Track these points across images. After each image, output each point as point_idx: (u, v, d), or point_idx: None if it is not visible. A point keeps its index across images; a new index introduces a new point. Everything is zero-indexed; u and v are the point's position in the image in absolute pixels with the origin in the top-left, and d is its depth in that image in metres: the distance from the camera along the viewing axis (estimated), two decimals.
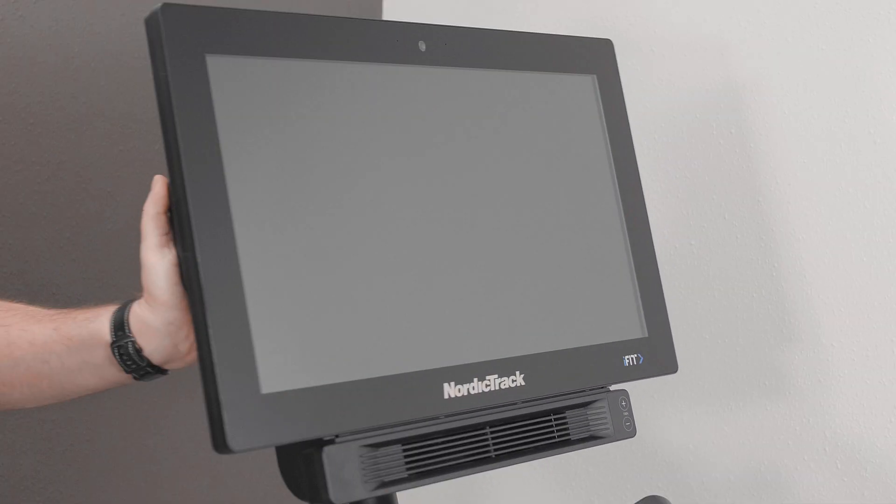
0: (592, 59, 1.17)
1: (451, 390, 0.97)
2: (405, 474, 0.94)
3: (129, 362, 0.97)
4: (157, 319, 0.95)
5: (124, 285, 1.51)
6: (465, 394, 0.98)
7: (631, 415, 1.12)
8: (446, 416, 0.97)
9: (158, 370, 0.99)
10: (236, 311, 0.87)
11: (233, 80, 0.91)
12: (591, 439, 1.08)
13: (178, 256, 0.92)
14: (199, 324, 0.87)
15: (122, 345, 0.97)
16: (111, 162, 1.47)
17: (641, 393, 1.66)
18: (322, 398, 0.89)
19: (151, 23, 0.89)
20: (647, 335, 1.13)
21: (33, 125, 1.38)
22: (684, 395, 1.62)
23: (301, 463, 0.90)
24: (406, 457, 0.95)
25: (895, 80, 1.41)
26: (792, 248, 1.51)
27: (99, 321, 0.98)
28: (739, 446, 1.58)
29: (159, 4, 0.88)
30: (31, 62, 1.36)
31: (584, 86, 1.14)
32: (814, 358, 1.50)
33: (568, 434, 1.07)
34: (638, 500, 1.10)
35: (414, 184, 1.00)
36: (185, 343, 0.97)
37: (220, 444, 0.86)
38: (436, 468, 0.97)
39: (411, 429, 0.95)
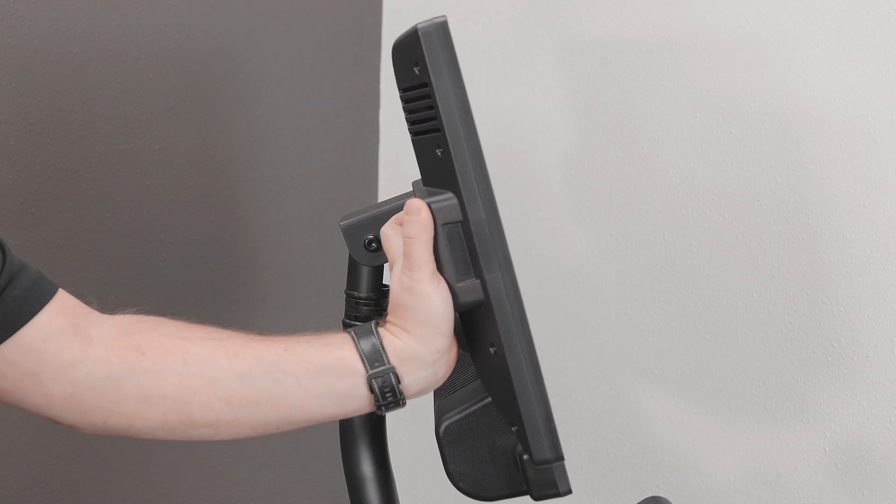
0: None
1: None
2: None
3: (388, 394, 0.91)
4: (427, 350, 0.91)
5: (124, 285, 1.51)
6: None
7: None
8: None
9: (404, 402, 0.93)
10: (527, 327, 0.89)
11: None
12: None
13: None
14: (521, 346, 0.87)
15: (384, 376, 0.90)
16: (111, 162, 1.47)
17: (642, 393, 1.66)
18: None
19: (430, 32, 0.88)
20: None
21: (33, 125, 1.38)
22: (684, 395, 1.62)
23: (524, 467, 0.92)
24: None
25: (894, 81, 1.42)
26: (792, 248, 1.51)
27: (344, 349, 0.92)
28: (739, 446, 1.59)
29: (441, 18, 0.88)
30: (31, 62, 1.36)
31: None
32: (814, 358, 1.51)
33: None
34: (639, 500, 1.10)
35: None
36: (443, 370, 0.93)
37: (552, 455, 0.89)
38: None
39: None
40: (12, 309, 0.87)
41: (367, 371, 0.90)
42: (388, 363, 0.91)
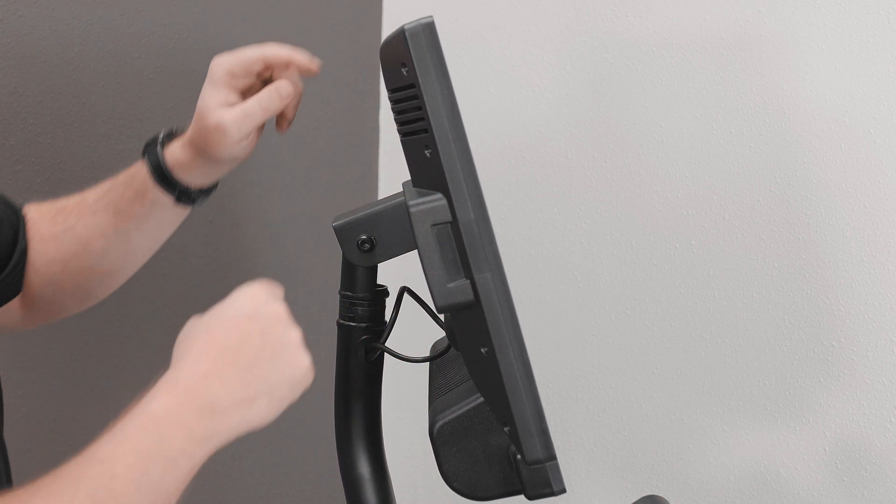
0: None
1: None
2: None
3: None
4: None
5: (124, 285, 1.51)
6: None
7: None
8: None
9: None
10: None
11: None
12: None
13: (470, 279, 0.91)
14: (512, 347, 0.89)
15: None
16: (111, 162, 1.47)
17: (642, 393, 1.66)
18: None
19: (417, 33, 0.89)
20: None
21: (33, 125, 1.38)
22: (684, 395, 1.62)
23: (518, 467, 0.93)
24: None
25: (895, 81, 1.41)
26: (792, 248, 1.51)
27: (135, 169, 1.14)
28: (739, 446, 1.58)
29: (428, 18, 0.88)
30: (31, 62, 1.37)
31: None
32: (814, 358, 1.50)
33: None
34: (636, 500, 1.10)
35: None
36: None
37: (545, 455, 0.90)
38: None
39: None
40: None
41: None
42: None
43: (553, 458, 0.88)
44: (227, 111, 1.07)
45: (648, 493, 1.62)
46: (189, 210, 1.17)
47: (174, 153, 1.12)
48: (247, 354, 0.79)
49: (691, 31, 1.55)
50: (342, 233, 0.98)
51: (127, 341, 1.54)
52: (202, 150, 1.10)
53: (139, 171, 1.13)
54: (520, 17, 1.71)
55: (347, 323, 1.06)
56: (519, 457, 0.90)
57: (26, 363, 1.42)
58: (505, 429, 0.90)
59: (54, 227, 1.15)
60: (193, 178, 1.13)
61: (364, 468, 1.07)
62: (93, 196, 1.16)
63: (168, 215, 1.15)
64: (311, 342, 1.92)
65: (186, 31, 1.54)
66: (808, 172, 1.48)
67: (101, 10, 1.44)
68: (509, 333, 0.87)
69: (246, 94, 1.11)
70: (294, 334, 0.83)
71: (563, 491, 0.91)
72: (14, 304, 1.16)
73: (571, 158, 1.68)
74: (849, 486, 1.49)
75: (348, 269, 1.04)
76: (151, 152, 1.13)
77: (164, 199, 1.13)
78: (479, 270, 0.87)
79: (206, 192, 1.16)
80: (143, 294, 1.54)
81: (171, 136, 1.14)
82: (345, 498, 1.08)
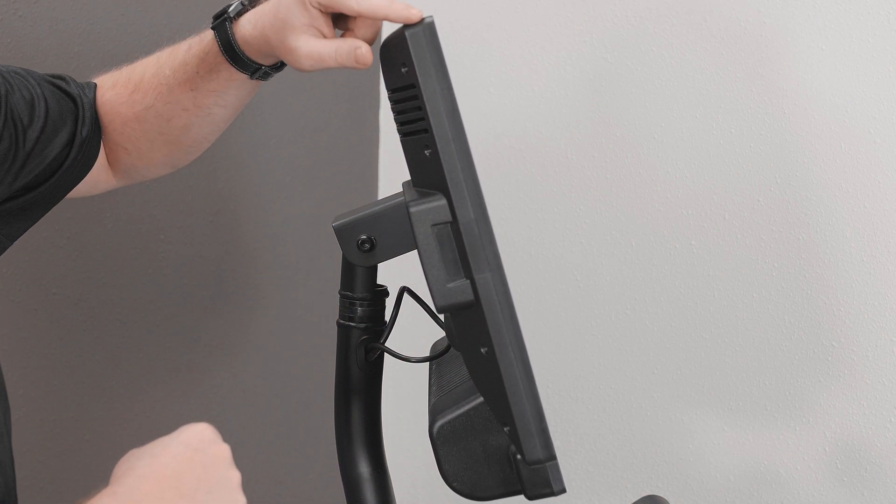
0: None
1: None
2: None
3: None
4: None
5: (125, 285, 1.51)
6: None
7: None
8: None
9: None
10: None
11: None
12: None
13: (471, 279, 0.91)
14: (512, 347, 0.88)
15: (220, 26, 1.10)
16: None
17: (642, 393, 1.66)
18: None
19: (417, 33, 0.89)
20: None
21: None
22: (684, 395, 1.62)
23: (518, 467, 0.93)
24: None
25: (894, 81, 1.41)
26: (792, 248, 1.51)
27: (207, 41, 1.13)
28: (739, 446, 1.59)
29: (428, 19, 0.89)
30: (31, 62, 1.36)
31: None
32: (814, 358, 1.50)
33: None
34: (636, 499, 1.10)
35: None
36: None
37: (545, 455, 0.90)
38: None
39: None
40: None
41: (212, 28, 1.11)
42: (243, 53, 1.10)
43: (553, 458, 0.88)
44: (305, 42, 1.03)
45: (648, 493, 1.62)
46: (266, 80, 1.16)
47: (244, 32, 1.09)
48: (188, 482, 0.82)
49: (691, 31, 1.55)
50: (342, 233, 0.98)
51: (127, 341, 1.54)
52: (272, 47, 1.07)
53: (211, 47, 1.11)
54: (520, 17, 1.71)
55: (347, 323, 1.06)
56: (519, 457, 0.90)
57: (26, 363, 1.42)
58: (505, 429, 0.90)
59: (134, 108, 1.17)
60: (266, 58, 1.10)
61: (364, 468, 1.07)
62: (168, 68, 1.15)
63: (246, 87, 1.14)
64: (311, 342, 1.92)
65: (186, 32, 1.54)
66: (808, 172, 1.49)
67: (101, 10, 1.44)
68: (509, 333, 0.87)
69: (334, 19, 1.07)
70: (235, 475, 0.85)
71: (563, 491, 0.91)
72: (102, 176, 1.21)
73: (571, 158, 1.68)
74: (849, 486, 1.49)
75: (348, 269, 1.04)
76: (221, 29, 1.10)
77: (239, 75, 1.12)
78: (479, 270, 0.87)
79: (280, 67, 1.13)
80: (143, 294, 1.54)
81: (241, 10, 1.11)
82: (345, 498, 1.08)
